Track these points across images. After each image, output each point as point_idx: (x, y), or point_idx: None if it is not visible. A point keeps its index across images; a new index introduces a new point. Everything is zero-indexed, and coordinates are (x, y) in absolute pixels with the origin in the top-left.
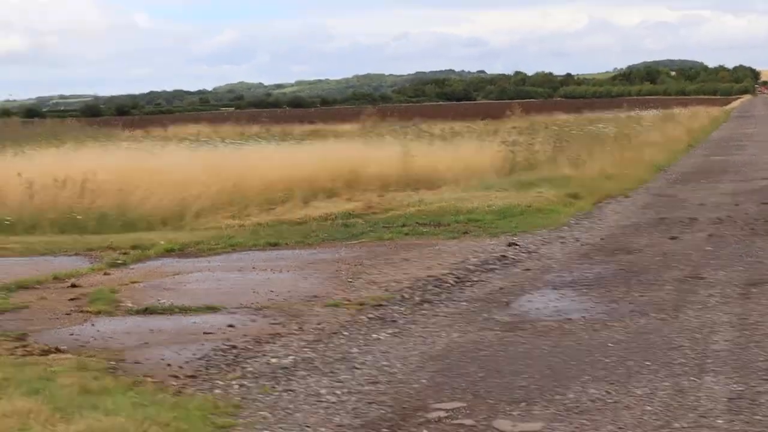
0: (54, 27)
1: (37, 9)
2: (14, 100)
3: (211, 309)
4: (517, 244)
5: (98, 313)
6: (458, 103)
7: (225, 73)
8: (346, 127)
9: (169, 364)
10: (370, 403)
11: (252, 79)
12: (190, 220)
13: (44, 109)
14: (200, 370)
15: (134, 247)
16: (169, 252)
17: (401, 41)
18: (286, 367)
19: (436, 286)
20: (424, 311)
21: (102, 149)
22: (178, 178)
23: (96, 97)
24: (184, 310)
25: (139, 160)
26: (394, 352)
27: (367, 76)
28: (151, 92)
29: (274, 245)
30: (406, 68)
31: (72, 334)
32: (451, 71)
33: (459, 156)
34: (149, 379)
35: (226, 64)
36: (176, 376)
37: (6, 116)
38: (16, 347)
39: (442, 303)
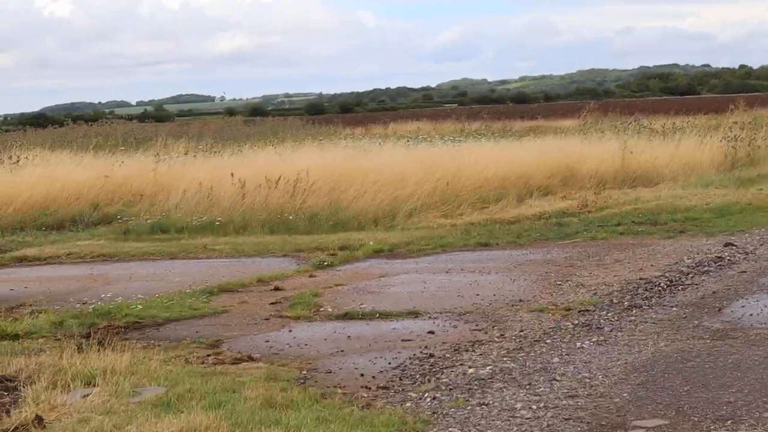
0: (279, 26)
1: (263, 9)
2: (237, 99)
3: (413, 314)
4: (734, 245)
5: (297, 318)
6: (681, 97)
7: (449, 70)
8: (567, 122)
9: (362, 374)
10: (566, 419)
11: (476, 75)
12: (402, 219)
13: (269, 108)
14: (393, 381)
15: (343, 248)
16: (377, 253)
17: (626, 36)
18: (483, 379)
19: (646, 290)
20: (632, 317)
21: (319, 148)
22: (392, 176)
23: (320, 95)
24: (385, 316)
25: (354, 159)
26: (596, 362)
27: (591, 71)
28: (375, 89)
29: (485, 245)
30: (630, 63)
31: (267, 341)
32: (676, 65)
33: (678, 152)
34: (339, 391)
35: (451, 60)
36: (368, 387)
37: (230, 115)
38: (209, 355)
39: (652, 308)
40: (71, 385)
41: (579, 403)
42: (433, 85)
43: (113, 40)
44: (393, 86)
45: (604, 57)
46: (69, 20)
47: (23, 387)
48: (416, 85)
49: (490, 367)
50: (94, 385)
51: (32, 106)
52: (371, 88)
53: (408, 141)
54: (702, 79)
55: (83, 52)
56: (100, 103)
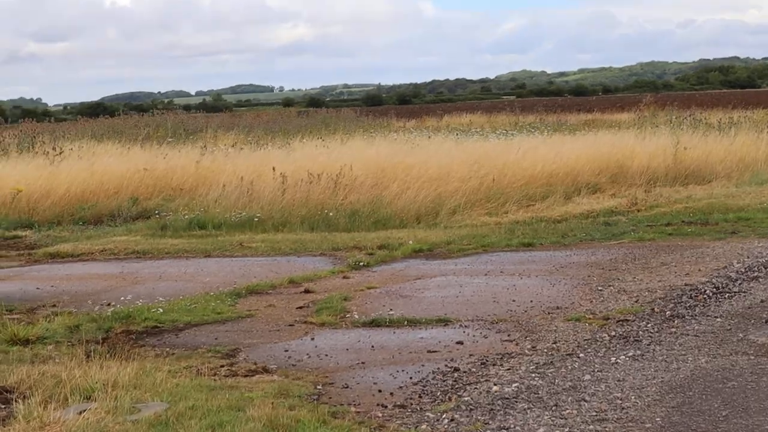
0: (339, 17)
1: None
2: (296, 90)
3: (443, 322)
4: None
5: (322, 324)
6: (741, 90)
7: (508, 62)
8: (623, 116)
9: (380, 390)
10: None
11: (535, 67)
12: (445, 216)
13: (327, 99)
14: (412, 399)
15: (381, 247)
16: (416, 252)
17: (686, 28)
18: (507, 398)
19: (691, 297)
20: (672, 329)
21: (367, 141)
22: (436, 172)
23: (379, 86)
24: (413, 323)
25: (400, 153)
26: (630, 380)
27: (651, 64)
28: (434, 81)
29: (528, 245)
30: (690, 55)
31: (287, 350)
32: (736, 58)
33: (733, 148)
34: (352, 409)
35: (510, 52)
36: (383, 406)
37: (287, 106)
38: (222, 366)
39: (695, 318)
40: (69, 399)
41: (607, 429)
42: (492, 76)
43: (174, 30)
44: (452, 77)
45: (664, 49)
46: (130, 10)
47: (17, 401)
48: (475, 77)
49: (516, 384)
50: (94, 400)
51: (92, 96)
52: (430, 80)
53: (458, 134)
54: (762, 72)
55: (144, 41)
56: (159, 92)
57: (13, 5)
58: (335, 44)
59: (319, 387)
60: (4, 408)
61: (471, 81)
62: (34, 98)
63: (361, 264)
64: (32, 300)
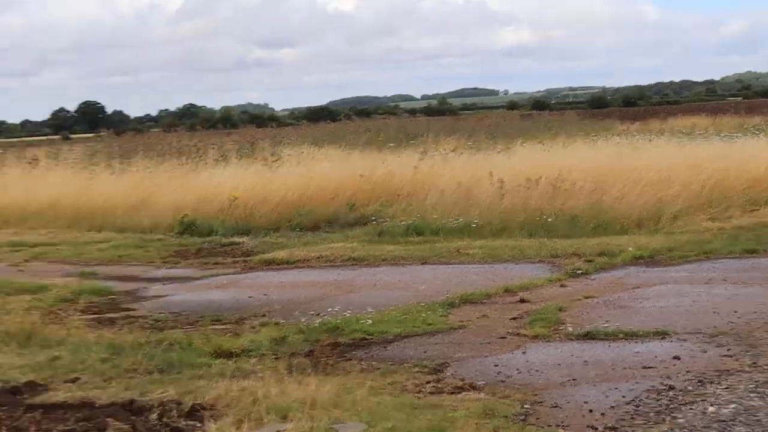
0: (561, 20)
1: (545, 3)
2: (521, 93)
3: (660, 334)
4: None
5: (535, 337)
6: None
7: (733, 63)
8: None
9: (590, 410)
10: None
11: (761, 68)
12: (667, 222)
13: (552, 101)
14: (623, 420)
15: (601, 254)
16: (637, 260)
17: None
18: (723, 420)
19: None
20: None
21: (588, 145)
22: (656, 175)
23: (603, 89)
24: (629, 336)
25: (621, 156)
26: None
27: None
28: (659, 83)
29: (752, 252)
30: None
31: (496, 365)
32: None
33: None
34: (560, 431)
35: (734, 54)
36: (593, 428)
37: (511, 109)
38: (428, 381)
39: None
40: (265, 419)
41: None
42: (717, 78)
43: (396, 35)
44: (676, 80)
45: None
46: (352, 16)
47: (209, 420)
48: (699, 78)
49: (733, 405)
50: (290, 420)
51: (319, 100)
52: (655, 82)
53: (681, 137)
54: None
55: (367, 46)
56: (385, 96)
57: (239, 13)
58: (559, 47)
59: (526, 406)
60: (200, 427)
61: (696, 83)
62: (262, 103)
63: (579, 271)
64: (242, 309)
